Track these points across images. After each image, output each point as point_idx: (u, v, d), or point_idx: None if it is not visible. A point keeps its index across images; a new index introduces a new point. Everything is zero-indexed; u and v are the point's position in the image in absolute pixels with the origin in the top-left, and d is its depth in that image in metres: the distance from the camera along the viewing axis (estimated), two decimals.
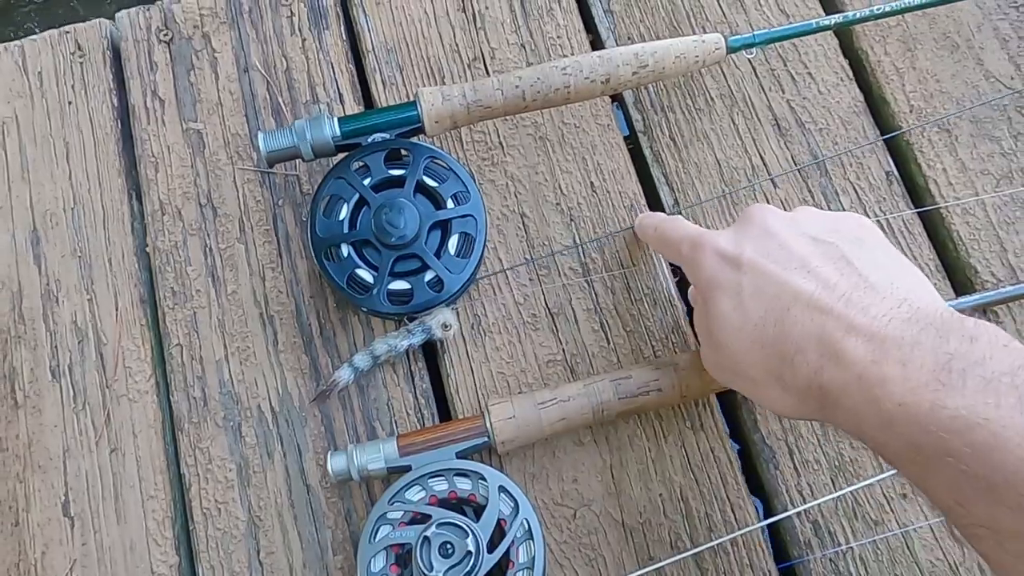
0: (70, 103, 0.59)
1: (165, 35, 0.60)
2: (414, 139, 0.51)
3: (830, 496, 0.46)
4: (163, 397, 0.52)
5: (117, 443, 0.51)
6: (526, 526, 0.42)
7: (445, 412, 0.51)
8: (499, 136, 0.56)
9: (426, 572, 0.39)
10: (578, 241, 0.53)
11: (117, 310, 0.54)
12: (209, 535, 0.48)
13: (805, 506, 0.46)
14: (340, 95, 0.58)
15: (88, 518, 0.49)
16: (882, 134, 0.55)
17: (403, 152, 0.51)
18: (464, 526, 0.41)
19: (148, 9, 0.60)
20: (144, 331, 0.53)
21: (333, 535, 0.48)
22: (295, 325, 0.53)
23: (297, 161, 0.56)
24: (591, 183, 0.55)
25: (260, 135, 0.50)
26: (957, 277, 0.53)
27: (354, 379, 0.50)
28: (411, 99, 0.53)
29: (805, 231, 0.38)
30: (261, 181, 0.56)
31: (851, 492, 0.48)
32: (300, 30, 0.60)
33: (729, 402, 0.51)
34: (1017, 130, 0.55)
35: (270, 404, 0.51)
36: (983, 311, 0.51)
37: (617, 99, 0.58)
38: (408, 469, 0.45)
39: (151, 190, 0.56)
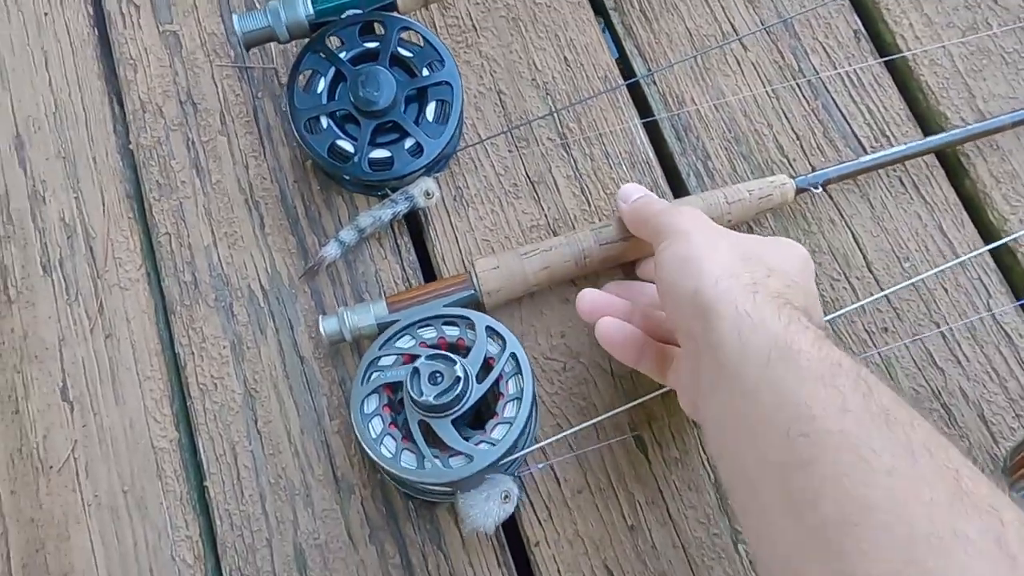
0: (46, 14, 0.59)
1: None
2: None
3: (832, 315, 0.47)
4: (154, 284, 0.52)
5: (111, 329, 0.51)
6: (514, 361, 0.43)
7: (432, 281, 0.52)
8: (472, 19, 0.57)
9: (416, 398, 0.40)
10: (554, 109, 0.54)
11: (104, 205, 0.54)
12: (207, 409, 0.49)
13: None
14: None
15: (87, 401, 0.50)
16: None
17: (377, 26, 0.52)
18: (453, 358, 0.41)
19: None
20: (132, 223, 0.54)
21: (328, 401, 0.49)
22: (280, 208, 0.53)
23: (275, 54, 0.57)
24: (565, 58, 0.56)
25: (235, 17, 0.51)
26: (929, 126, 0.54)
27: (341, 254, 0.51)
28: None
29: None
30: (240, 76, 0.57)
31: (833, 329, 0.49)
32: None
33: None
34: None
35: (260, 283, 0.52)
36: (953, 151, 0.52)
37: None
38: None
39: (131, 91, 0.57)
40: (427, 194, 0.50)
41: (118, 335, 0.51)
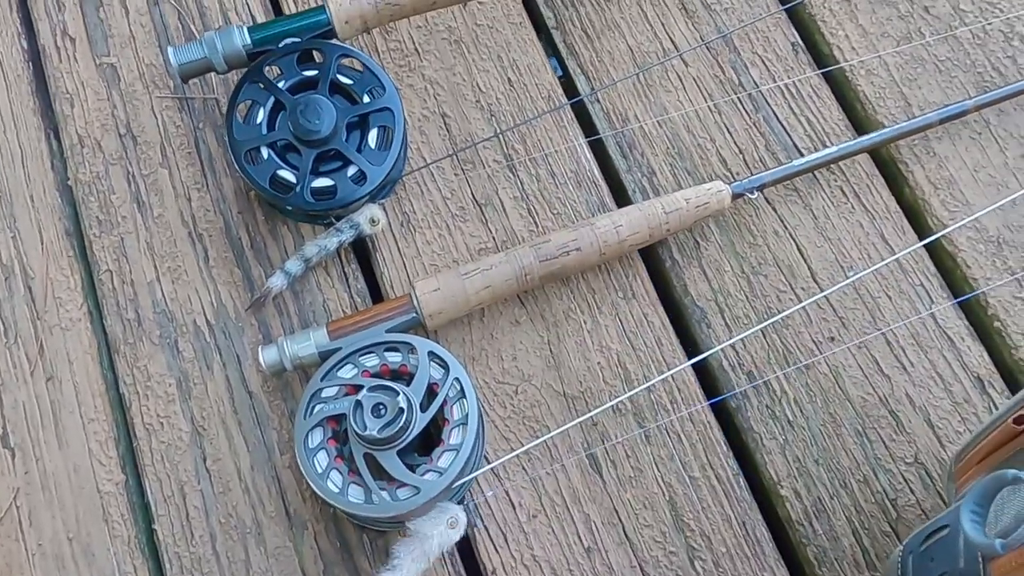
0: None
1: None
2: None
3: (756, 328, 0.47)
4: (96, 323, 0.51)
5: (53, 372, 0.50)
6: (458, 386, 0.43)
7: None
8: (415, 43, 0.57)
9: (360, 432, 0.40)
10: (499, 131, 0.54)
11: (43, 243, 0.53)
12: (153, 449, 0.48)
13: (731, 340, 0.47)
14: (253, 17, 0.58)
15: (28, 447, 0.49)
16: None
17: (316, 54, 0.51)
18: (396, 388, 0.41)
19: None
20: (72, 262, 0.53)
21: (279, 435, 0.48)
22: (225, 240, 0.52)
23: (216, 84, 0.56)
24: (508, 79, 0.56)
25: (170, 50, 0.50)
26: (866, 134, 0.54)
27: (288, 284, 0.50)
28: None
29: None
30: (180, 107, 0.56)
31: (780, 340, 0.49)
32: None
33: (657, 269, 0.52)
34: None
35: (205, 318, 0.51)
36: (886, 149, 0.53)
37: (528, 2, 0.59)
38: None
39: (68, 125, 0.56)
40: (372, 221, 0.50)
41: (60, 377, 0.50)
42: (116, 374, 0.50)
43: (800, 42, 0.57)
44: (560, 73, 0.57)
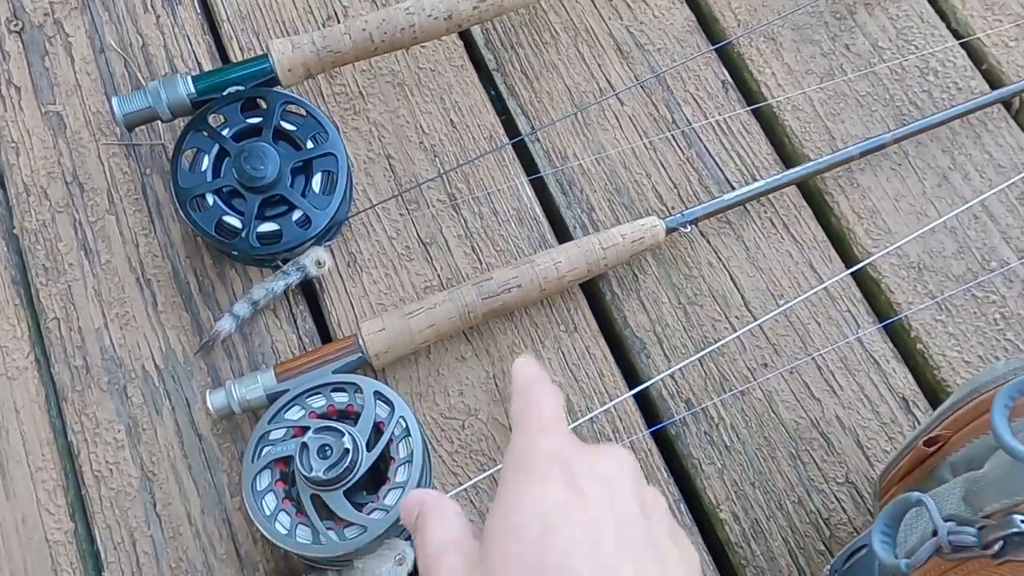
0: None
1: (15, 25, 0.60)
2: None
3: (693, 358, 0.49)
4: (44, 371, 0.52)
5: None
6: (403, 424, 0.44)
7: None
8: (358, 86, 0.58)
9: (306, 474, 0.41)
10: (442, 171, 0.56)
11: None
12: (103, 496, 0.48)
13: (670, 370, 0.49)
14: (199, 64, 0.59)
15: None
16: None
17: (260, 101, 0.52)
18: (341, 429, 0.42)
19: None
20: (18, 310, 0.53)
21: (229, 478, 0.49)
22: (173, 285, 0.53)
23: (162, 130, 0.57)
24: (451, 120, 0.58)
25: (114, 100, 0.51)
26: (794, 167, 0.57)
27: (236, 327, 0.51)
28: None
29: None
30: (127, 154, 0.57)
31: (717, 368, 0.51)
32: (153, 7, 0.61)
33: (598, 303, 0.54)
34: (833, 32, 0.60)
35: (154, 363, 0.51)
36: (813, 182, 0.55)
37: (469, 44, 0.61)
38: None
39: (13, 174, 0.56)
40: (319, 263, 0.51)
41: (6, 426, 0.50)
42: (64, 422, 0.50)
43: (730, 79, 0.59)
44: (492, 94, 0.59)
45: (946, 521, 0.30)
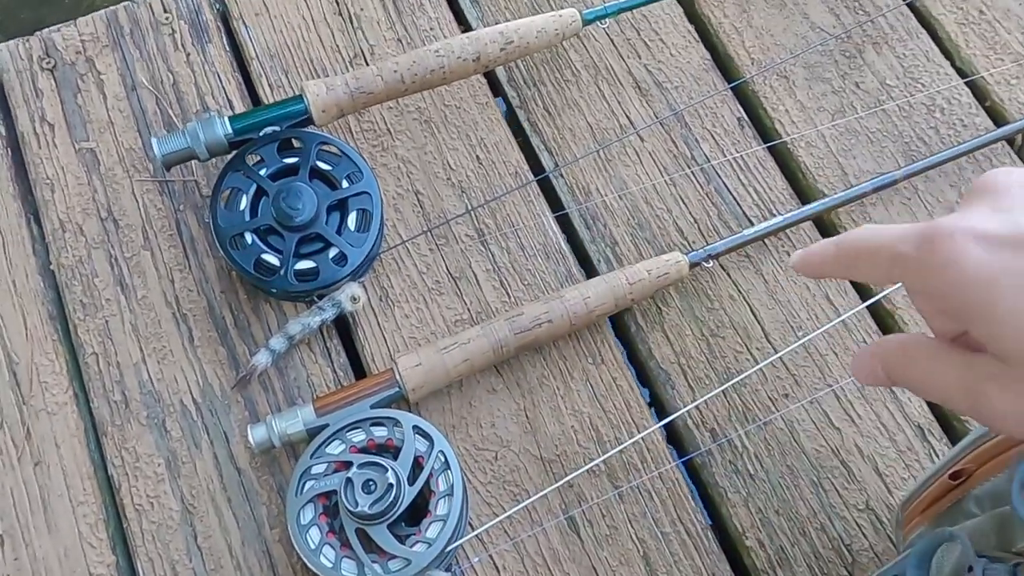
0: None
1: (48, 63, 0.61)
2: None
3: (717, 390, 0.51)
4: (83, 406, 0.53)
5: (40, 456, 0.51)
6: (442, 458, 0.45)
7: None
8: (387, 123, 0.60)
9: (351, 509, 0.42)
10: (470, 208, 0.57)
11: (27, 328, 0.54)
12: (144, 529, 0.49)
13: (695, 403, 0.51)
14: (229, 102, 0.61)
15: (17, 533, 0.49)
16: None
17: (295, 141, 0.54)
18: (384, 464, 0.43)
19: (27, 40, 0.62)
20: (57, 345, 0.54)
21: (268, 510, 0.50)
22: (209, 320, 0.54)
23: (195, 166, 0.58)
24: (477, 156, 0.59)
25: (154, 141, 0.52)
26: (808, 201, 0.59)
27: (272, 362, 0.52)
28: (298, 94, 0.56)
29: None
30: (160, 190, 0.58)
31: (740, 399, 0.53)
32: (183, 46, 0.62)
33: (623, 335, 0.55)
34: (843, 70, 0.63)
35: (192, 397, 0.52)
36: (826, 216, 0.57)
37: (493, 82, 0.63)
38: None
39: (49, 211, 0.57)
40: (353, 299, 0.53)
41: (47, 461, 0.51)
42: (104, 456, 0.51)
43: (745, 117, 0.61)
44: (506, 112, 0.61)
45: (979, 557, 0.31)
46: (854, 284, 0.56)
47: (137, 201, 0.57)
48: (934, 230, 0.27)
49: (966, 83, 0.62)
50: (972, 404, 0.28)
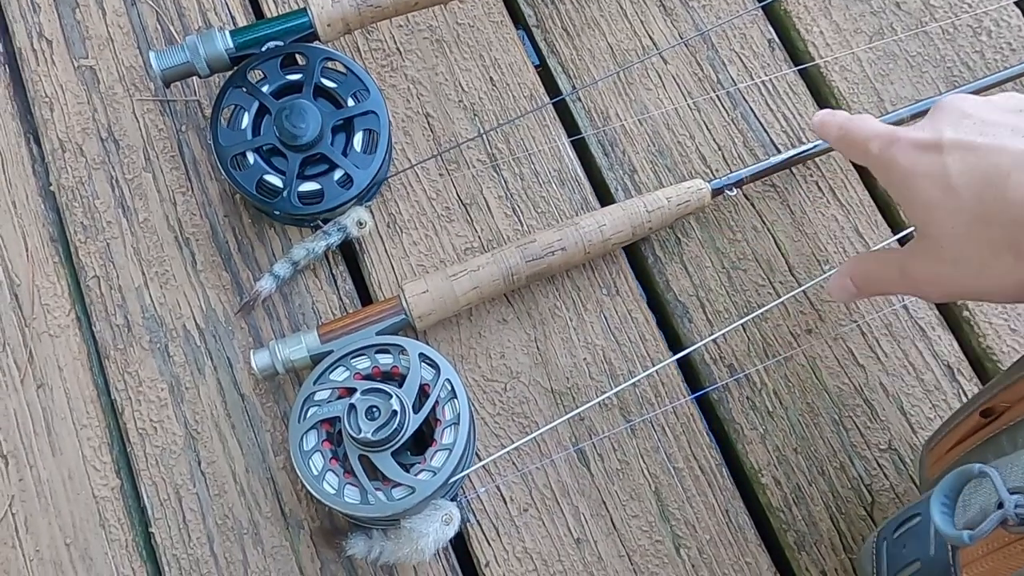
0: None
1: None
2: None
3: (736, 323, 0.49)
4: (85, 329, 0.52)
5: (43, 379, 0.50)
6: (449, 387, 0.44)
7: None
8: (396, 42, 0.57)
9: (354, 435, 0.41)
10: (482, 131, 0.55)
11: (28, 250, 0.53)
12: (148, 454, 0.49)
13: (713, 336, 0.49)
14: (232, 18, 0.58)
15: (22, 455, 0.49)
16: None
17: (299, 57, 0.51)
18: (389, 391, 0.42)
19: None
20: (58, 268, 0.53)
21: (272, 437, 0.49)
22: (212, 244, 0.53)
23: (196, 86, 0.56)
24: (490, 78, 0.56)
25: (152, 55, 0.50)
26: None
27: (276, 287, 0.51)
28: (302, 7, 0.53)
29: (1002, 106, 0.36)
30: (162, 110, 0.56)
31: (760, 333, 0.51)
32: None
33: (640, 266, 0.53)
34: None
35: (195, 322, 0.51)
36: None
37: (509, 1, 0.59)
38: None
39: (48, 130, 0.55)
40: (360, 224, 0.51)
41: (51, 384, 0.50)
42: (107, 380, 0.50)
43: (776, 39, 0.58)
44: (536, 62, 0.58)
45: (1012, 494, 0.29)
46: (885, 217, 0.54)
47: (138, 121, 0.55)
48: (891, 136, 0.37)
49: (1016, 4, 0.58)
50: (905, 280, 0.38)
